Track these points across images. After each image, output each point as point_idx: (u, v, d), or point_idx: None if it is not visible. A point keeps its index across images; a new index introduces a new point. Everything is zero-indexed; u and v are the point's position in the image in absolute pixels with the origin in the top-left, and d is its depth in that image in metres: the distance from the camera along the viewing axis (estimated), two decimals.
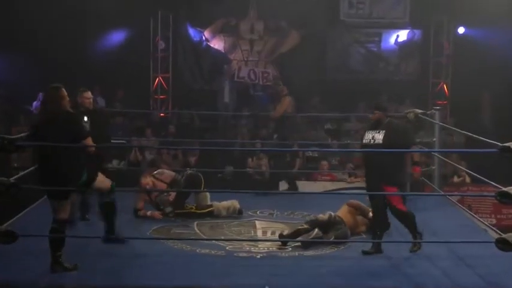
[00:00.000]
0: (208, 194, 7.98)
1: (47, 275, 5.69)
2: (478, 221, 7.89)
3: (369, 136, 6.58)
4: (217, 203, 7.95)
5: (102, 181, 6.12)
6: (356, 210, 7.22)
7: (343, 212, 7.15)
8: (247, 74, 14.72)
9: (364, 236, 7.14)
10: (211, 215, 7.83)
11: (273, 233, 7.31)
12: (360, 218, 7.22)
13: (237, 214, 7.93)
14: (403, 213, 6.56)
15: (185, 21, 14.65)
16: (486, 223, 7.91)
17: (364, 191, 7.00)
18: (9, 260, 5.93)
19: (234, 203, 7.96)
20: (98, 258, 6.13)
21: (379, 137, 6.50)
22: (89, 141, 5.89)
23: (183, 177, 8.07)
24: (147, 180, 7.87)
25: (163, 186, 7.91)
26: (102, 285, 5.60)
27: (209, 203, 7.94)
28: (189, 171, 8.41)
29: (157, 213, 7.80)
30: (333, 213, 7.00)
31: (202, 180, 7.96)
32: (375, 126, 6.60)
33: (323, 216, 6.97)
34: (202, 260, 6.24)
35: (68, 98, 5.93)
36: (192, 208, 7.83)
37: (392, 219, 6.66)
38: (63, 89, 5.90)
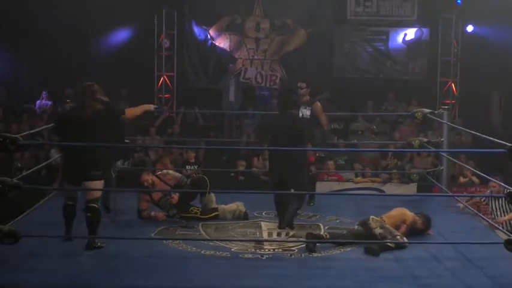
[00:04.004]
0: (214, 196, 7.88)
1: (49, 276, 5.64)
2: (486, 222, 7.79)
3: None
4: (223, 206, 7.85)
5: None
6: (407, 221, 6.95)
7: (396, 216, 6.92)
8: (253, 75, 14.60)
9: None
10: (216, 219, 7.75)
11: (278, 234, 7.22)
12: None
13: (242, 218, 7.84)
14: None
15: (190, 19, 14.57)
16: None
17: (373, 192, 6.90)
18: (12, 261, 5.86)
19: (239, 206, 7.86)
20: (102, 258, 6.07)
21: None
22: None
23: (188, 180, 7.96)
24: (146, 178, 7.74)
25: (166, 188, 7.80)
26: (105, 286, 5.55)
27: (215, 205, 7.84)
28: (189, 170, 8.29)
29: (161, 214, 7.71)
30: (370, 221, 6.71)
31: (208, 184, 7.85)
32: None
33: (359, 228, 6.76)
34: (207, 261, 6.17)
35: (97, 95, 6.22)
36: (197, 212, 7.74)
37: None
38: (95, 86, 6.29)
